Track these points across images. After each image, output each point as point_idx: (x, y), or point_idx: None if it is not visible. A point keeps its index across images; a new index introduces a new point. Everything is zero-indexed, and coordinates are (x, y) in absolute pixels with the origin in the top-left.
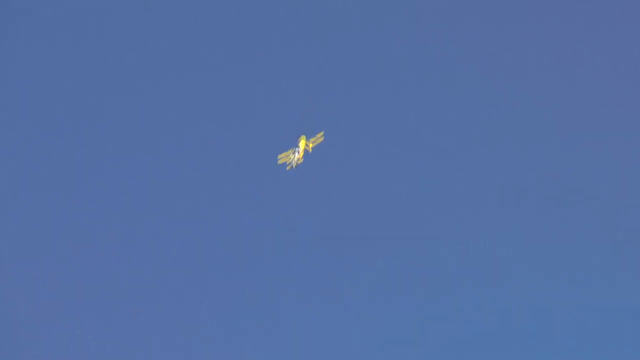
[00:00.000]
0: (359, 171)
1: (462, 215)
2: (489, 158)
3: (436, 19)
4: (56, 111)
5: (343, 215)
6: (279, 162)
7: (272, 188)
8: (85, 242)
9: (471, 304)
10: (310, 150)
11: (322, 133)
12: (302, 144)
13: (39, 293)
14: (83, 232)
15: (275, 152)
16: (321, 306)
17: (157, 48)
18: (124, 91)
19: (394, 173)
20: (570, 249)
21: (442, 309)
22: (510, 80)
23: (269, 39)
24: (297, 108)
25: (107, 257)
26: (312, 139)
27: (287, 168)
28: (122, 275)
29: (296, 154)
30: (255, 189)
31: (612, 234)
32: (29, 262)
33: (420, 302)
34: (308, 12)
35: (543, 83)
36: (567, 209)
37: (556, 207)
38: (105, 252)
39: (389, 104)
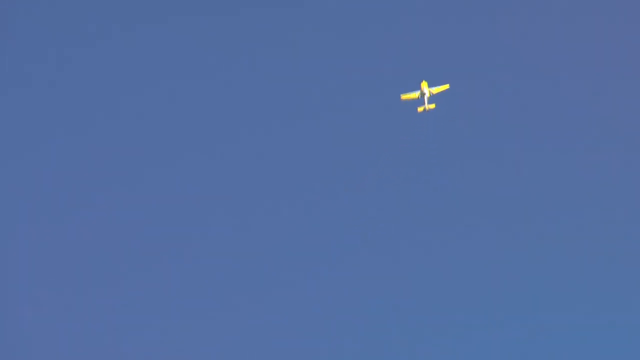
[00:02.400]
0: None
1: None
2: None
3: None
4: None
5: None
6: (402, 98)
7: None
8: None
9: None
10: (432, 94)
11: (447, 85)
12: (425, 88)
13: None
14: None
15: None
16: None
17: None
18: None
19: None
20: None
21: None
22: None
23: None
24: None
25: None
26: (436, 88)
27: (419, 110)
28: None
29: (425, 98)
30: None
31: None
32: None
33: None
34: None
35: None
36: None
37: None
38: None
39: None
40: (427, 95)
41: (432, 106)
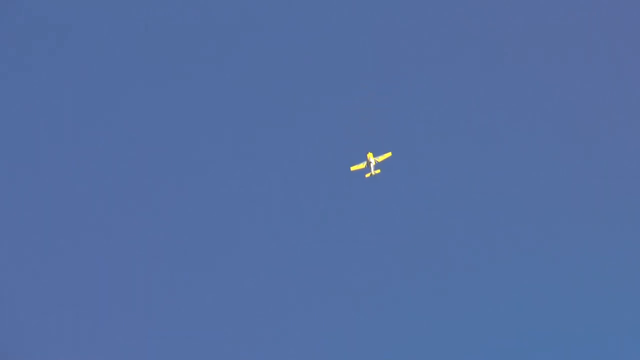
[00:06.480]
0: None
1: None
2: None
3: None
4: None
5: None
6: (352, 169)
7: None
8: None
9: None
10: (377, 162)
11: (389, 153)
12: (370, 157)
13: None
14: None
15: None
16: None
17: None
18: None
19: None
20: None
21: None
22: None
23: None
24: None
25: None
26: (379, 157)
27: (367, 175)
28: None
29: (371, 165)
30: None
31: None
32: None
33: None
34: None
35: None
36: None
37: None
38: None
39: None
40: (372, 163)
41: (378, 171)
